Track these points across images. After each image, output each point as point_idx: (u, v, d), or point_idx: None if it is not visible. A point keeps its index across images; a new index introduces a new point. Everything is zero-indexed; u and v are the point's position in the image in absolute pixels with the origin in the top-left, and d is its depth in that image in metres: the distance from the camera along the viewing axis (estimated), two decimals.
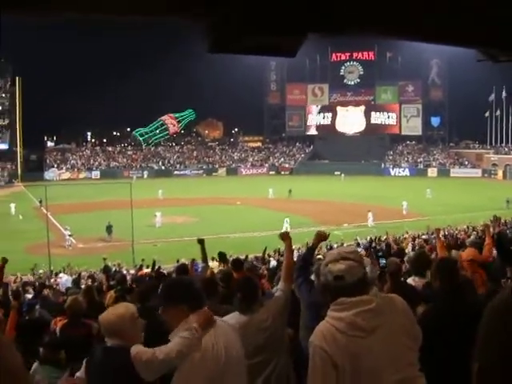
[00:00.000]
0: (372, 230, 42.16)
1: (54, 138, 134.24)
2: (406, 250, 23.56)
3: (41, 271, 31.19)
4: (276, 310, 5.87)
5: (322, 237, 7.05)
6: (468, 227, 36.42)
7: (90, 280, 23.66)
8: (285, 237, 6.75)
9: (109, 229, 43.36)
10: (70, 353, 6.28)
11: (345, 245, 35.05)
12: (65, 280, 26.11)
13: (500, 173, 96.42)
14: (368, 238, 36.75)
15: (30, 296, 16.29)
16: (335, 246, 34.74)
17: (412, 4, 2.32)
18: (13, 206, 55.16)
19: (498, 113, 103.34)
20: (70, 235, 41.81)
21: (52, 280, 27.22)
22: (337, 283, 3.57)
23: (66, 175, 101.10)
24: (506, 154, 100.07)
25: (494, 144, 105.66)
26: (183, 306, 4.22)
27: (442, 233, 21.15)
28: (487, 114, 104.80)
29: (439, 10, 2.46)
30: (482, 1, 2.47)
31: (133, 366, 3.98)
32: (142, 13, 2.30)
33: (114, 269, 29.57)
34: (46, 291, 18.50)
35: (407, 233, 37.28)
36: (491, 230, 11.85)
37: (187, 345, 3.97)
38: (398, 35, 2.71)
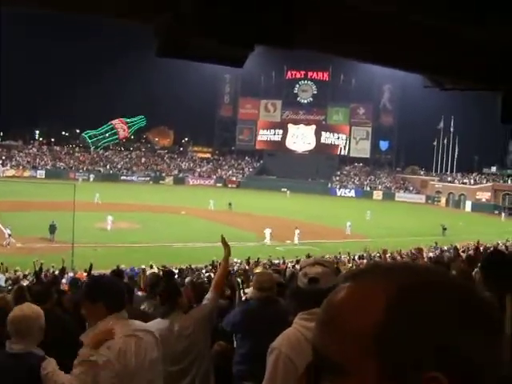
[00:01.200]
0: (311, 249, 42.36)
1: (1, 134, 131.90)
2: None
3: None
4: (199, 318, 5.83)
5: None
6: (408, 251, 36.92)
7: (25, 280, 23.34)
8: (224, 244, 6.69)
9: (52, 228, 42.56)
10: None
11: (284, 261, 35.32)
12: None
13: (443, 200, 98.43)
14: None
15: None
16: (276, 261, 35.03)
17: (358, 24, 2.35)
18: None
19: (445, 141, 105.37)
20: (9, 235, 40.92)
21: None
22: (311, 287, 3.57)
23: (11, 172, 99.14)
24: (450, 182, 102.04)
25: (439, 172, 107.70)
26: (100, 303, 4.20)
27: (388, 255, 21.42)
28: (435, 143, 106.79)
29: (388, 33, 2.50)
30: (429, 29, 2.52)
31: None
32: (92, 12, 2.29)
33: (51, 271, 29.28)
34: None
35: (340, 254, 37.76)
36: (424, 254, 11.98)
37: (89, 374, 3.93)
38: (345, 54, 2.75)
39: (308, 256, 30.06)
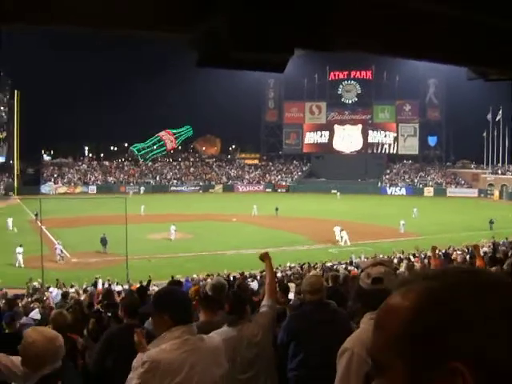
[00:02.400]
0: (365, 249, 42.15)
1: (52, 152, 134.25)
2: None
3: (35, 284, 31.08)
4: (265, 324, 5.86)
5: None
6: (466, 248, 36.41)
7: (79, 295, 23.69)
8: (264, 257, 6.72)
9: (103, 241, 43.21)
10: None
11: (340, 262, 35.16)
12: (55, 294, 26.06)
13: (496, 193, 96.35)
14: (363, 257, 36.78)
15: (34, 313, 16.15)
16: (329, 264, 34.86)
17: (401, 21, 2.32)
18: (10, 220, 54.63)
19: (495, 133, 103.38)
20: (61, 250, 41.45)
21: (46, 294, 27.13)
22: (374, 286, 3.58)
23: (63, 189, 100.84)
24: (502, 174, 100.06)
25: (490, 164, 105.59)
26: (165, 315, 4.25)
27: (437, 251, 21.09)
28: (484, 134, 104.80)
29: (430, 28, 2.47)
30: (468, 21, 2.48)
31: None
32: (130, 27, 2.31)
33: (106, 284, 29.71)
34: (34, 305, 18.47)
35: (394, 253, 37.43)
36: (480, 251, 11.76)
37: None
38: (387, 51, 2.72)
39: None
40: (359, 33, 2.37)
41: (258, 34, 1.95)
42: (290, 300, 11.96)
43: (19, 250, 39.42)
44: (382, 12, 2.28)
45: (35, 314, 15.52)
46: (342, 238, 47.08)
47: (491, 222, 54.39)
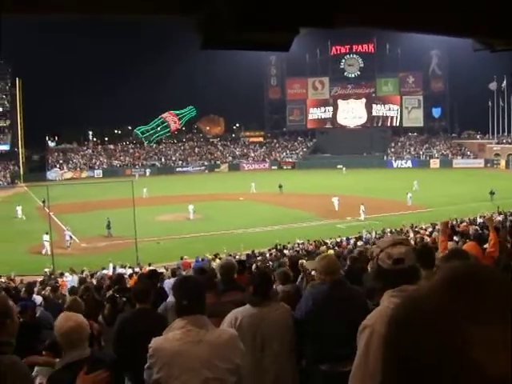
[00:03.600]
0: (373, 223, 42.22)
1: (56, 138, 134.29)
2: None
3: (46, 270, 31.22)
4: (288, 308, 5.93)
5: None
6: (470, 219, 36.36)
7: (93, 279, 23.75)
8: None
9: (107, 225, 43.23)
10: None
11: (348, 238, 35.20)
12: (70, 280, 26.16)
13: (503, 163, 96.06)
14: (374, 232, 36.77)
15: (37, 297, 16.14)
16: (338, 239, 34.91)
17: None
18: (19, 208, 54.59)
19: (500, 102, 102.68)
20: (70, 236, 41.47)
21: (60, 280, 27.21)
22: (396, 267, 3.58)
23: (69, 175, 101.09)
24: (508, 143, 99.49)
25: (496, 134, 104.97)
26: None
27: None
28: (490, 103, 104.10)
29: (433, 2, 2.43)
30: None
31: None
32: (132, 12, 2.28)
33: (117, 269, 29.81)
34: (46, 292, 18.50)
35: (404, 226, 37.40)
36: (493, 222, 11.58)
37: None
38: (392, 26, 2.68)
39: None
40: (360, 9, 2.34)
41: (259, 13, 1.92)
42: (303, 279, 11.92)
43: (46, 237, 39.10)
44: None
45: (37, 300, 15.50)
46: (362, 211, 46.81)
47: (492, 193, 53.88)
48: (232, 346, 4.38)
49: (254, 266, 20.15)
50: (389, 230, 36.03)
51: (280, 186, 67.10)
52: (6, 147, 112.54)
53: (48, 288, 19.59)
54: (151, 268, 21.07)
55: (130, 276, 24.18)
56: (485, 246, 10.05)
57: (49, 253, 37.84)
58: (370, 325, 3.50)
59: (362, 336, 3.52)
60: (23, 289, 17.43)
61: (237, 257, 27.47)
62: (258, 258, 29.01)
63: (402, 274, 3.56)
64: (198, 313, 4.34)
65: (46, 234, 39.01)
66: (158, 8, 2.17)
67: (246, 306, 5.65)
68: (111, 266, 31.34)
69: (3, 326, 4.05)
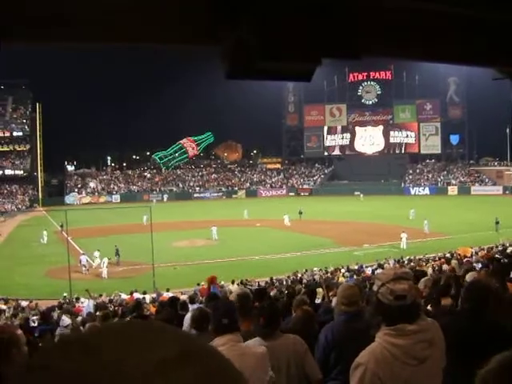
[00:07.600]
0: (392, 251, 42.04)
1: (74, 163, 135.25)
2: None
3: (65, 294, 31.21)
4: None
5: None
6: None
7: (110, 305, 23.74)
8: None
9: (116, 252, 43.14)
10: None
11: (365, 266, 35.05)
12: (86, 305, 26.11)
13: None
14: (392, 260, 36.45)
15: (65, 318, 16.16)
16: (356, 267, 34.72)
17: (424, 27, 2.31)
18: (45, 233, 54.45)
19: None
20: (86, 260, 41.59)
21: (77, 305, 27.23)
22: (398, 303, 3.55)
23: (87, 199, 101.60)
24: None
25: None
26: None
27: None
28: (508, 130, 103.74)
29: (453, 33, 2.45)
30: (494, 21, 2.46)
31: None
32: (156, 41, 2.31)
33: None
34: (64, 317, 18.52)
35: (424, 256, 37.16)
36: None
37: None
38: (414, 57, 2.71)
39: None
40: (382, 39, 2.36)
41: (285, 43, 1.94)
42: (318, 305, 11.84)
43: (96, 254, 41.68)
44: (402, 17, 2.27)
45: (65, 321, 15.54)
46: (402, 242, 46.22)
47: (497, 222, 51.25)
48: (266, 359, 4.70)
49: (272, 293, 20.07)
50: (407, 258, 35.89)
51: (300, 213, 66.67)
52: (25, 172, 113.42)
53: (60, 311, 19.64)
54: (171, 295, 21.01)
55: (152, 302, 24.19)
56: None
57: (105, 276, 39.40)
58: (363, 363, 3.47)
59: (355, 373, 3.49)
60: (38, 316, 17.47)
61: (255, 284, 27.40)
62: (276, 285, 28.87)
63: (403, 311, 3.53)
64: (236, 330, 4.69)
65: (98, 250, 41.93)
66: (184, 37, 2.20)
67: (256, 339, 5.50)
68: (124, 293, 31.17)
69: (7, 356, 3.87)
